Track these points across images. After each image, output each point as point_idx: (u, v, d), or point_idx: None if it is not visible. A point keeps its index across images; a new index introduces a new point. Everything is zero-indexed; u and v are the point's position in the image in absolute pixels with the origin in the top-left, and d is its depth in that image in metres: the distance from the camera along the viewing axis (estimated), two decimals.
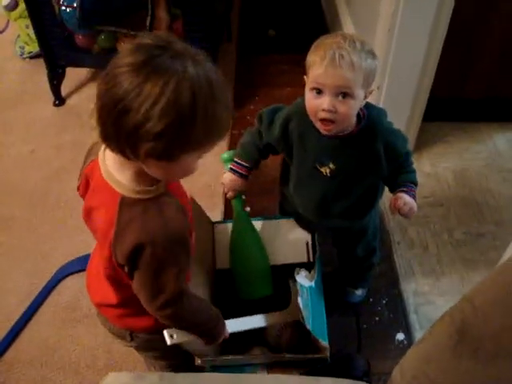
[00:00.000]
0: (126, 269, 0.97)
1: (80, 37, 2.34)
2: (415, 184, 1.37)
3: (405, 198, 1.32)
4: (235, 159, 1.49)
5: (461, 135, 2.37)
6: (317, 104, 1.22)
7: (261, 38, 3.04)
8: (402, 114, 2.11)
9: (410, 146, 2.07)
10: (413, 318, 1.79)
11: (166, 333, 1.12)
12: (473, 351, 0.80)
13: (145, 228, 0.93)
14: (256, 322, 1.35)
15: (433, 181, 2.18)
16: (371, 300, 1.84)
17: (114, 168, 0.96)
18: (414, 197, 1.34)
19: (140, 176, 0.94)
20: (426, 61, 1.97)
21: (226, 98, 0.89)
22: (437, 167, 2.24)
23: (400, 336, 1.75)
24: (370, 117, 1.29)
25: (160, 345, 1.15)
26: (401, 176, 1.37)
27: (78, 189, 1.10)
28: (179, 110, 0.81)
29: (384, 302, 1.84)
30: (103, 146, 0.97)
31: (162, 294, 0.98)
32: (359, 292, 1.82)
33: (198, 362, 1.33)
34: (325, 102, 1.20)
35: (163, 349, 1.17)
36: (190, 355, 1.35)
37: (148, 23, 2.20)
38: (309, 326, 1.36)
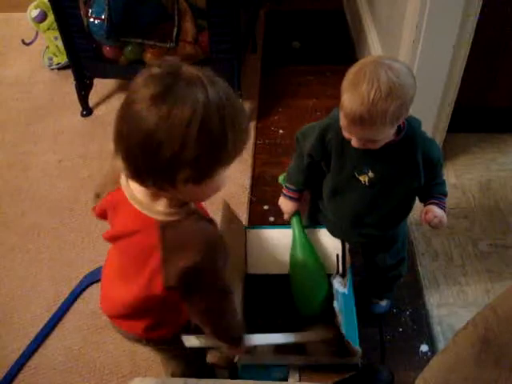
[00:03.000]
0: (180, 289, 1.00)
1: (107, 48, 2.38)
2: (445, 195, 1.41)
3: (435, 210, 1.36)
4: (285, 184, 1.57)
5: (486, 146, 2.36)
6: (347, 136, 1.26)
7: (285, 49, 3.06)
8: (427, 124, 2.09)
9: None
10: (437, 329, 1.77)
11: (184, 338, 1.14)
12: (496, 359, 0.79)
13: (195, 246, 0.95)
14: (281, 338, 1.35)
15: (458, 192, 2.16)
16: (395, 311, 1.83)
17: (147, 199, 0.96)
18: (444, 208, 1.38)
19: (173, 201, 0.95)
20: (451, 71, 1.97)
21: (242, 106, 0.91)
22: (462, 178, 2.22)
23: (424, 347, 1.74)
24: (410, 127, 1.30)
25: (177, 349, 1.18)
26: (432, 187, 1.40)
27: (94, 209, 1.12)
28: (210, 133, 0.82)
29: (408, 313, 1.83)
30: (124, 182, 0.99)
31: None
32: (384, 303, 1.81)
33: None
34: (353, 141, 1.25)
35: (180, 350, 1.20)
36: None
37: (174, 35, 2.23)
38: (343, 330, 1.38)
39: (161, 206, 0.95)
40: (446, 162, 2.27)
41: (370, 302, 1.82)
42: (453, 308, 1.82)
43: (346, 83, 1.18)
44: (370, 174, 1.35)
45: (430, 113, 2.09)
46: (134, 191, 0.98)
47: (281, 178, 1.63)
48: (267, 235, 1.63)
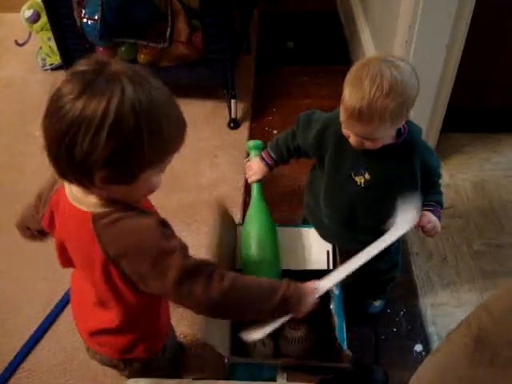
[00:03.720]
0: (132, 275, 0.95)
1: (101, 49, 2.38)
2: (441, 205, 1.40)
3: (430, 216, 1.35)
4: (267, 148, 1.55)
5: (480, 146, 2.36)
6: (346, 133, 1.26)
7: (279, 49, 3.06)
8: (421, 124, 2.02)
9: None
10: (431, 329, 1.77)
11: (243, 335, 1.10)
12: (490, 359, 0.79)
13: (129, 233, 0.93)
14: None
15: (452, 192, 2.17)
16: (389, 311, 1.83)
17: (79, 193, 0.95)
18: (439, 217, 1.37)
19: (105, 200, 0.93)
20: (444, 71, 1.97)
21: (172, 110, 0.88)
22: (456, 178, 2.23)
23: (418, 347, 1.74)
24: (410, 133, 1.30)
25: (155, 371, 1.16)
26: (429, 195, 1.38)
27: (42, 219, 1.07)
28: (123, 133, 0.80)
29: (402, 313, 1.83)
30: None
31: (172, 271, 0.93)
32: (378, 303, 1.82)
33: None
34: (351, 139, 1.25)
35: (158, 374, 1.18)
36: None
37: (168, 35, 2.23)
38: (337, 334, 1.38)
39: (92, 200, 0.93)
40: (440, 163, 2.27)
41: (364, 303, 1.82)
42: (447, 308, 1.83)
43: (348, 77, 1.19)
44: (367, 175, 1.33)
45: (424, 113, 2.09)
46: (72, 188, 0.96)
47: (250, 145, 1.63)
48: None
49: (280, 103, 2.69)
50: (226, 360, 1.34)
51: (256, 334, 1.10)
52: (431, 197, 1.39)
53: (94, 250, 0.94)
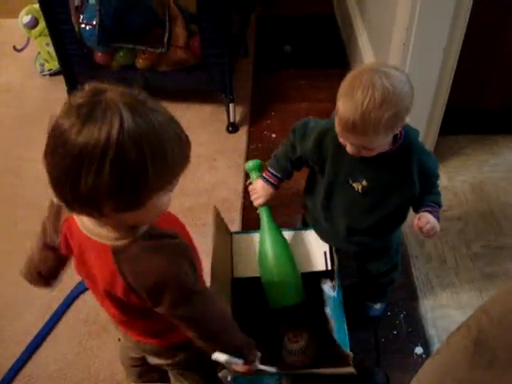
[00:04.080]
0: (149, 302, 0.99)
1: (99, 54, 2.39)
2: (439, 205, 1.40)
3: (428, 217, 1.34)
4: (268, 168, 1.52)
5: (478, 148, 2.37)
6: (342, 141, 1.26)
7: (277, 53, 3.07)
8: (419, 127, 2.04)
9: None
10: (431, 331, 1.77)
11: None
12: (489, 362, 0.79)
13: (150, 268, 0.95)
14: None
15: (450, 194, 2.17)
16: (389, 314, 1.83)
17: (92, 224, 0.95)
18: (437, 218, 1.36)
19: (118, 225, 0.93)
20: (442, 74, 1.98)
21: (173, 133, 0.86)
22: (454, 180, 2.23)
23: (418, 350, 1.74)
24: (407, 137, 1.29)
25: (197, 367, 1.19)
26: (427, 197, 1.38)
27: (59, 246, 1.08)
28: (126, 164, 0.79)
29: (402, 315, 1.83)
30: None
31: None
32: (378, 306, 1.81)
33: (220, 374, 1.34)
34: (348, 147, 1.25)
35: (199, 365, 1.20)
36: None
37: (166, 40, 2.23)
38: (335, 336, 1.39)
39: (107, 231, 0.93)
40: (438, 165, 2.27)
41: (364, 305, 1.82)
42: (447, 310, 1.83)
43: (342, 89, 1.18)
44: (364, 182, 1.34)
45: (422, 115, 2.10)
46: (83, 219, 0.96)
47: (249, 165, 1.58)
48: (252, 239, 1.63)
49: (278, 107, 2.69)
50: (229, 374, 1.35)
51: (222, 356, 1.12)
52: (429, 197, 1.39)
53: (116, 279, 0.96)
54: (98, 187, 0.79)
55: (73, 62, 2.41)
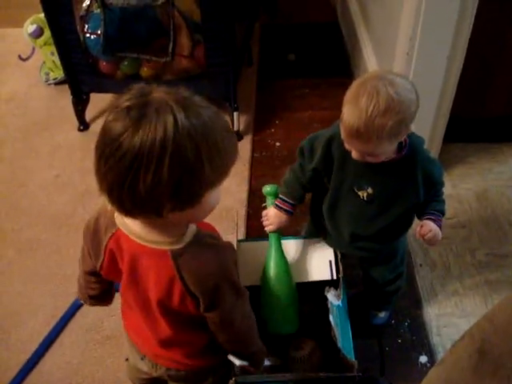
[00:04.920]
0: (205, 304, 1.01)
1: (104, 63, 2.39)
2: (443, 214, 1.41)
3: (431, 225, 1.35)
4: (280, 196, 1.51)
5: (482, 156, 2.36)
6: (348, 147, 1.27)
7: (281, 62, 3.08)
8: (423, 135, 2.03)
9: None
10: (436, 340, 1.77)
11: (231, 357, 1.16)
12: (493, 370, 0.79)
13: (209, 266, 0.97)
14: None
15: (455, 202, 2.16)
16: (393, 322, 1.83)
17: (145, 231, 0.96)
18: (440, 226, 1.37)
19: (171, 227, 0.95)
20: (446, 82, 1.98)
21: (223, 127, 0.88)
22: (459, 188, 2.23)
23: (423, 359, 1.73)
24: (412, 145, 1.30)
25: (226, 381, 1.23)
26: (430, 204, 1.39)
27: (101, 267, 1.07)
28: (184, 160, 0.80)
29: (406, 324, 1.82)
30: (119, 218, 0.98)
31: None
32: (382, 315, 1.81)
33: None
34: (353, 153, 1.26)
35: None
36: None
37: (170, 49, 2.24)
38: (339, 345, 1.38)
39: (163, 235, 0.95)
40: None
41: (369, 314, 1.81)
42: (451, 318, 1.82)
43: (347, 96, 1.19)
44: (370, 190, 1.34)
45: (426, 123, 2.10)
46: (132, 226, 0.97)
47: (267, 190, 1.58)
48: (258, 247, 1.62)
49: (282, 115, 2.70)
50: (234, 379, 1.33)
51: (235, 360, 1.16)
52: (433, 205, 1.40)
53: (174, 284, 0.98)
54: (158, 186, 0.80)
55: (77, 71, 2.41)
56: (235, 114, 2.45)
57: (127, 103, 0.81)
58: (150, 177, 0.79)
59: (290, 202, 1.50)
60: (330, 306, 1.46)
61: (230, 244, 1.05)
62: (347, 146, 1.27)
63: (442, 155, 2.26)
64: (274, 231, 1.53)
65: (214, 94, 2.40)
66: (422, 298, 1.88)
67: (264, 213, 1.56)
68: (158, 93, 0.82)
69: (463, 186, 2.24)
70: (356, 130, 1.15)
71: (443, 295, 1.88)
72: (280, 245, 1.54)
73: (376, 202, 1.37)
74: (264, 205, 1.59)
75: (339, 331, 1.44)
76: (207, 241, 1.00)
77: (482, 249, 2.01)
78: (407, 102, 1.15)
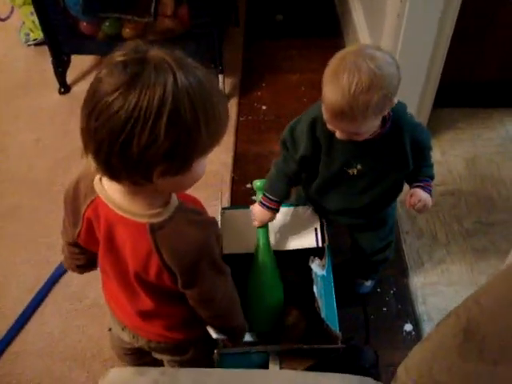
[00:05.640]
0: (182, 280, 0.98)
1: (84, 24, 2.31)
2: (432, 178, 1.40)
3: (420, 194, 1.35)
4: (265, 193, 1.47)
5: (472, 121, 2.33)
6: (331, 128, 1.23)
7: (268, 22, 2.99)
8: (412, 100, 2.06)
9: None
10: (421, 308, 1.76)
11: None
12: (479, 352, 0.77)
13: (189, 243, 0.93)
14: None
15: (443, 169, 2.14)
16: (379, 290, 1.82)
17: (125, 200, 0.92)
18: (429, 191, 1.37)
19: (153, 198, 0.91)
20: (437, 46, 1.93)
21: (218, 91, 0.86)
22: (447, 155, 2.20)
23: (408, 327, 1.73)
24: (395, 115, 1.26)
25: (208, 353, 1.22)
26: (419, 170, 1.37)
27: (79, 236, 1.03)
28: (182, 120, 0.77)
29: (392, 292, 1.82)
30: (99, 185, 0.94)
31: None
32: (369, 283, 1.80)
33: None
34: (337, 133, 1.23)
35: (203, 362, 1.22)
36: None
37: (152, 8, 2.17)
38: (323, 315, 1.37)
39: (142, 206, 0.91)
40: (431, 139, 2.23)
41: (355, 282, 1.80)
42: (437, 287, 1.81)
43: (326, 75, 1.14)
44: (359, 166, 1.33)
45: (416, 88, 2.06)
46: (112, 194, 0.93)
47: (257, 185, 1.54)
48: (241, 215, 1.60)
49: (269, 78, 2.64)
50: (216, 351, 1.32)
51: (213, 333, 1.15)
52: (421, 171, 1.39)
53: (151, 258, 0.94)
54: (152, 146, 0.76)
55: (57, 32, 2.33)
56: (220, 76, 2.39)
57: (122, 58, 0.77)
58: (146, 135, 0.75)
59: (274, 199, 1.46)
60: (314, 276, 1.44)
61: (213, 220, 1.00)
62: (330, 127, 1.23)
63: (431, 120, 2.23)
64: (260, 227, 1.50)
65: (198, 55, 2.27)
66: (408, 266, 1.87)
67: (251, 207, 1.52)
68: (155, 51, 0.79)
69: (452, 153, 2.21)
70: (340, 111, 1.12)
71: (429, 263, 1.87)
72: (267, 239, 1.51)
73: (366, 177, 1.36)
74: (254, 198, 1.55)
75: (323, 302, 1.43)
76: (189, 216, 0.95)
77: (470, 217, 1.99)
78: (389, 75, 1.11)
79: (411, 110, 1.97)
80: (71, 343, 1.71)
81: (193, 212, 0.97)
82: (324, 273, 1.48)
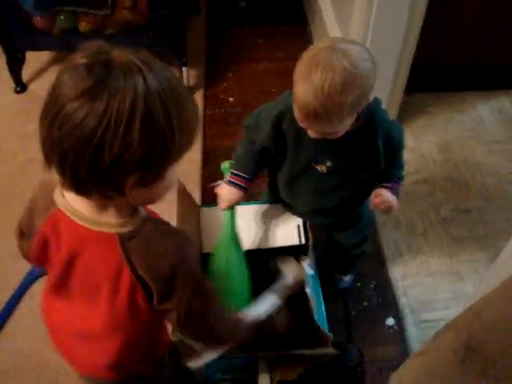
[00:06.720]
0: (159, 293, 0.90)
1: (38, 18, 2.19)
2: (401, 179, 1.35)
3: (385, 195, 1.29)
4: (232, 171, 1.39)
5: (444, 106, 2.30)
6: (303, 125, 1.15)
7: (231, 9, 2.90)
8: (384, 85, 2.02)
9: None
10: (402, 301, 1.74)
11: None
12: (482, 370, 0.73)
13: (164, 249, 0.87)
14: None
15: (417, 156, 2.11)
16: (359, 284, 1.79)
17: (91, 213, 0.85)
18: (397, 193, 1.31)
19: (121, 210, 0.85)
20: (408, 30, 1.88)
21: (187, 90, 0.82)
22: (420, 141, 2.17)
23: (390, 321, 1.70)
24: (369, 110, 1.19)
25: None
26: (388, 170, 1.31)
27: (29, 253, 0.95)
28: (156, 126, 0.72)
29: (372, 286, 1.79)
30: (60, 198, 0.87)
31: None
32: (348, 278, 1.77)
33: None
34: (309, 132, 1.16)
35: None
36: None
37: (109, 1, 2.06)
38: (315, 317, 1.33)
39: (110, 217, 0.85)
40: (403, 124, 2.16)
41: (334, 278, 1.76)
42: (417, 278, 1.79)
43: (298, 72, 1.07)
44: (328, 163, 1.26)
45: (387, 73, 2.02)
46: (75, 205, 0.86)
47: (225, 166, 1.46)
48: (219, 212, 1.50)
49: (235, 68, 2.56)
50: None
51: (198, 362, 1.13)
52: (390, 172, 1.32)
53: (122, 272, 0.87)
54: (125, 155, 0.71)
55: (10, 27, 2.20)
56: (184, 68, 2.31)
57: (85, 60, 0.71)
58: (119, 142, 0.70)
59: (244, 175, 1.38)
60: (305, 277, 1.39)
61: (183, 231, 0.95)
62: (303, 125, 1.16)
63: (403, 106, 2.20)
64: (227, 209, 1.42)
65: (160, 47, 2.25)
66: (387, 258, 1.84)
67: (217, 190, 1.43)
68: (119, 52, 0.74)
69: (424, 139, 2.18)
70: (314, 112, 1.05)
71: (408, 254, 1.85)
72: (234, 223, 1.43)
73: (336, 174, 1.29)
74: (216, 183, 1.46)
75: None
76: (159, 226, 0.89)
77: (446, 204, 1.97)
78: (365, 72, 1.04)
79: (383, 95, 1.95)
80: (43, 360, 1.62)
81: (161, 222, 0.92)
82: (313, 272, 1.44)
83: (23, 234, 0.99)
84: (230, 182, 1.38)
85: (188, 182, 2.01)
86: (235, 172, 1.38)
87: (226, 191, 1.39)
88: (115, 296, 0.90)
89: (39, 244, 0.92)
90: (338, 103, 1.03)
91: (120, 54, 0.73)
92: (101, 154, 0.70)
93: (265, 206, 1.56)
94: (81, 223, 0.85)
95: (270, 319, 1.46)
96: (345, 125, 1.13)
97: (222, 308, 1.02)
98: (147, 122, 0.71)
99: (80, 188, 0.77)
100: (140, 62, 0.73)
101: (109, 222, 0.85)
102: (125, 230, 0.85)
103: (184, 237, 0.92)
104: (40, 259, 0.95)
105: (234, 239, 1.42)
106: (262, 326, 1.44)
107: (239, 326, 1.08)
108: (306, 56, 1.07)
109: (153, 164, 0.75)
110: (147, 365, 1.08)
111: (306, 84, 1.04)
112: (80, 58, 0.72)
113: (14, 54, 2.32)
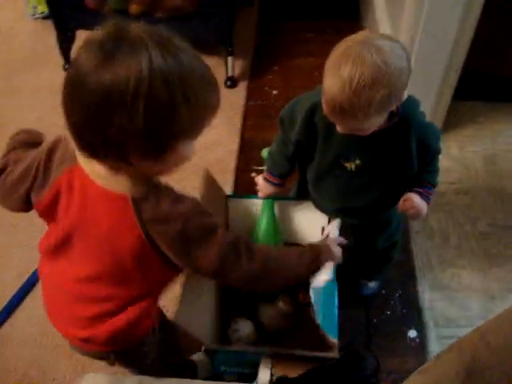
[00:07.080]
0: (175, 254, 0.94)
1: None
2: (434, 185, 1.29)
3: (414, 200, 1.25)
4: (268, 169, 1.43)
5: (494, 116, 2.20)
6: (331, 120, 1.12)
7: (285, 2, 2.85)
8: (430, 90, 1.94)
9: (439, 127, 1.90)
10: (427, 314, 1.68)
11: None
12: None
13: (174, 212, 0.91)
14: None
15: (460, 166, 2.02)
16: (384, 292, 1.73)
17: (107, 174, 0.89)
18: (427, 199, 1.26)
19: (133, 177, 0.89)
20: (460, 32, 1.79)
21: (202, 73, 0.83)
22: (465, 151, 2.08)
23: (412, 333, 1.64)
24: (404, 110, 1.15)
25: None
26: (421, 174, 1.26)
27: (38, 205, 0.98)
28: (158, 105, 0.77)
29: (398, 295, 1.73)
30: (80, 156, 0.91)
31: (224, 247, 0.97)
32: (373, 284, 1.72)
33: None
34: (337, 127, 1.14)
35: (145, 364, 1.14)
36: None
37: None
38: (318, 320, 1.28)
39: (123, 180, 0.89)
40: (449, 133, 2.13)
41: (358, 283, 1.72)
42: (446, 292, 1.72)
43: (328, 64, 1.04)
44: (357, 161, 1.22)
45: (435, 77, 1.93)
46: (95, 167, 0.90)
47: (265, 154, 1.50)
48: (249, 204, 1.56)
49: (282, 61, 2.53)
50: (203, 347, 1.28)
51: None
52: (424, 176, 1.28)
53: (131, 233, 0.91)
54: (130, 127, 0.77)
55: (62, 5, 2.24)
56: (229, 58, 2.30)
57: (101, 37, 0.78)
58: (126, 116, 0.76)
59: (278, 175, 1.41)
60: (310, 280, 1.35)
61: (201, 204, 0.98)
62: (330, 119, 1.13)
63: (449, 113, 2.10)
64: (265, 198, 1.47)
65: (207, 35, 2.24)
66: (417, 267, 1.78)
67: (256, 179, 1.47)
68: (135, 29, 0.79)
69: (470, 149, 2.09)
70: (339, 106, 1.01)
71: (439, 266, 1.78)
72: (272, 212, 1.48)
73: (365, 174, 1.25)
74: (261, 168, 1.50)
75: (321, 306, 1.34)
76: (170, 192, 0.93)
77: (485, 218, 1.89)
78: (397, 71, 1.00)
79: (429, 101, 1.88)
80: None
81: (173, 190, 0.95)
82: (331, 276, 1.39)
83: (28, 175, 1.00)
84: (267, 180, 1.42)
85: (225, 171, 2.02)
86: (271, 171, 1.42)
87: (262, 184, 1.44)
88: (122, 256, 0.95)
89: (52, 196, 0.96)
90: (364, 100, 0.99)
91: (134, 31, 0.78)
92: (107, 124, 0.77)
93: (294, 202, 1.55)
94: (96, 182, 0.90)
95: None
96: (373, 122, 1.08)
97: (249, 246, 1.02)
98: (149, 99, 0.75)
99: (90, 152, 0.83)
100: (151, 39, 0.77)
101: (123, 183, 0.89)
102: (138, 192, 0.89)
103: (196, 202, 0.95)
104: (46, 211, 0.98)
105: (274, 228, 1.47)
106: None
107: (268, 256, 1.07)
108: (338, 48, 1.04)
109: (156, 139, 0.80)
110: (128, 340, 1.08)
111: (334, 77, 1.01)
112: (96, 33, 0.78)
113: (65, 32, 2.35)
